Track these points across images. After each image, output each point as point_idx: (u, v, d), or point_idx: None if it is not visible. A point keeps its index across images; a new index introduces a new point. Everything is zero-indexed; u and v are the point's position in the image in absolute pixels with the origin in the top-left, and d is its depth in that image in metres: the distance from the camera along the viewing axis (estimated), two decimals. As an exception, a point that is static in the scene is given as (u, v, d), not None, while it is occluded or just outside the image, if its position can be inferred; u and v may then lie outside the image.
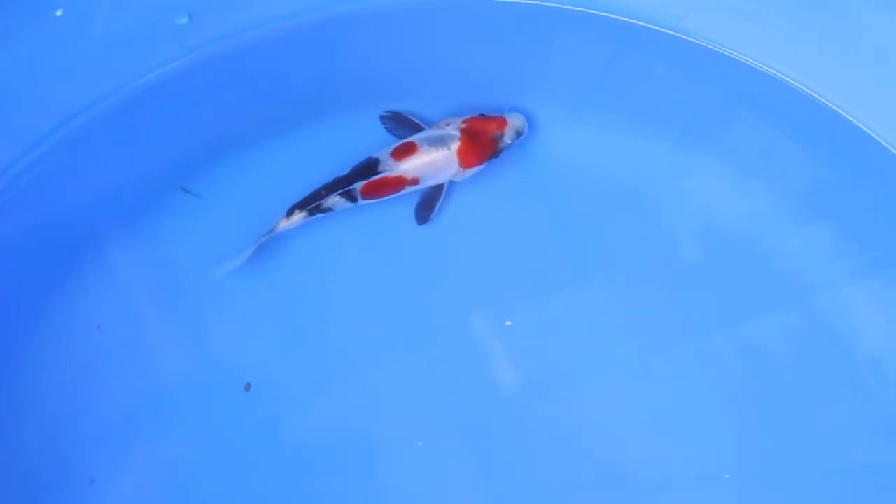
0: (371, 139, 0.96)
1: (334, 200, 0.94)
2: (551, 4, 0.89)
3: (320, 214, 0.95)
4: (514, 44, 0.95)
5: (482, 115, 0.96)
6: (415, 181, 0.95)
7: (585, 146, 0.99)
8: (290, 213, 0.94)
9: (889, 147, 0.87)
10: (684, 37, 0.89)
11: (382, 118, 0.98)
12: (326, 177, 0.94)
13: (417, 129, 0.97)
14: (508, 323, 0.97)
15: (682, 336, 0.97)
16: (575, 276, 0.98)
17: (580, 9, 0.89)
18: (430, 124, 0.98)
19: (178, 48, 0.88)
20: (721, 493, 0.95)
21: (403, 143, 0.95)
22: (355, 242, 0.99)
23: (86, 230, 0.94)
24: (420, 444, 0.96)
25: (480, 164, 0.96)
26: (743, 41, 0.88)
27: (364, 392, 0.97)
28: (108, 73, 0.87)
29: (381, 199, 0.96)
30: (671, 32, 0.89)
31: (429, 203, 0.98)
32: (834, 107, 0.87)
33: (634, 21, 0.89)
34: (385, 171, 0.94)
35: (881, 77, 0.87)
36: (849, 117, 0.87)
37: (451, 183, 0.98)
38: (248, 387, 0.96)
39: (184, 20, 0.88)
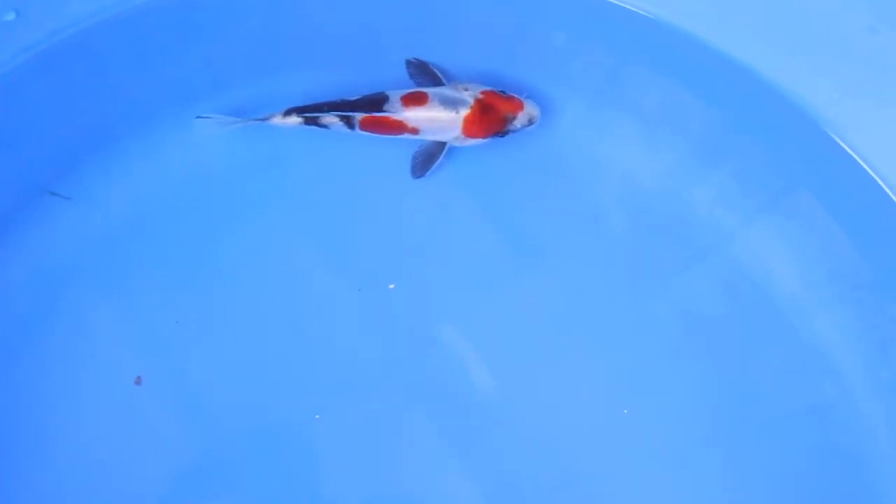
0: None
1: (332, 120, 0.95)
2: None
3: (316, 128, 0.96)
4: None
5: (503, 91, 0.96)
6: (414, 130, 0.96)
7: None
8: (287, 112, 0.95)
9: (776, 85, 0.90)
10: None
11: (408, 63, 0.98)
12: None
13: (437, 82, 0.98)
14: (392, 286, 0.97)
15: (624, 307, 0.97)
16: (511, 263, 0.98)
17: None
18: (451, 81, 0.98)
19: (9, 47, 0.88)
20: (680, 455, 0.95)
21: (417, 92, 0.96)
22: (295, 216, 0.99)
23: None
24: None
25: (483, 138, 0.97)
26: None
27: (292, 387, 0.96)
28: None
29: (378, 136, 0.97)
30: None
31: (428, 158, 0.98)
32: (721, 50, 0.91)
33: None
34: (389, 111, 0.95)
35: (765, 17, 0.90)
36: (736, 59, 0.91)
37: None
38: (138, 380, 0.94)
39: (10, 16, 0.87)
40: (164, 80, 0.97)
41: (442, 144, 0.98)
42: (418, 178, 0.99)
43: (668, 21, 0.90)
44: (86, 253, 0.96)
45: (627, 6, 0.92)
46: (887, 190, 0.91)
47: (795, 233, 0.97)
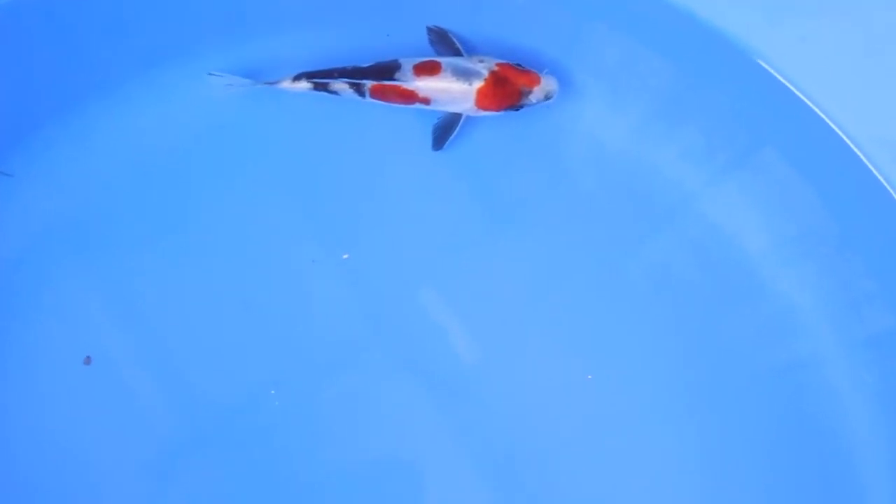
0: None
1: (342, 87, 0.93)
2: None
3: (326, 93, 0.94)
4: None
5: (518, 64, 0.93)
6: (425, 100, 0.93)
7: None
8: (296, 77, 0.94)
9: (736, 40, 0.88)
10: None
11: (428, 30, 0.95)
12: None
13: (456, 52, 0.95)
14: (345, 256, 0.96)
15: (594, 267, 0.96)
16: (480, 227, 0.97)
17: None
18: (470, 52, 0.95)
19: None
20: (650, 417, 0.95)
21: (430, 61, 0.93)
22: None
23: None
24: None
25: (497, 110, 0.94)
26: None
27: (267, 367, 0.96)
28: None
29: (389, 104, 0.94)
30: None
31: (445, 129, 0.96)
32: (682, 5, 0.88)
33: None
34: (400, 80, 0.92)
35: None
36: (698, 15, 0.88)
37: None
38: (87, 360, 0.93)
39: None
40: (168, 34, 0.96)
41: (458, 115, 0.95)
42: (438, 150, 0.96)
43: None
44: (52, 222, 0.96)
45: None
46: (851, 144, 0.87)
47: (762, 190, 0.95)
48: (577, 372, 0.95)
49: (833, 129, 0.87)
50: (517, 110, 0.94)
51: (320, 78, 0.93)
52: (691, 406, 0.95)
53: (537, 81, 0.93)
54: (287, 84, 0.94)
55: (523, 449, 0.95)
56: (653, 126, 0.97)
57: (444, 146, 0.96)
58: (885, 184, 0.87)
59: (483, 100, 0.93)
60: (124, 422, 0.93)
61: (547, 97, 0.93)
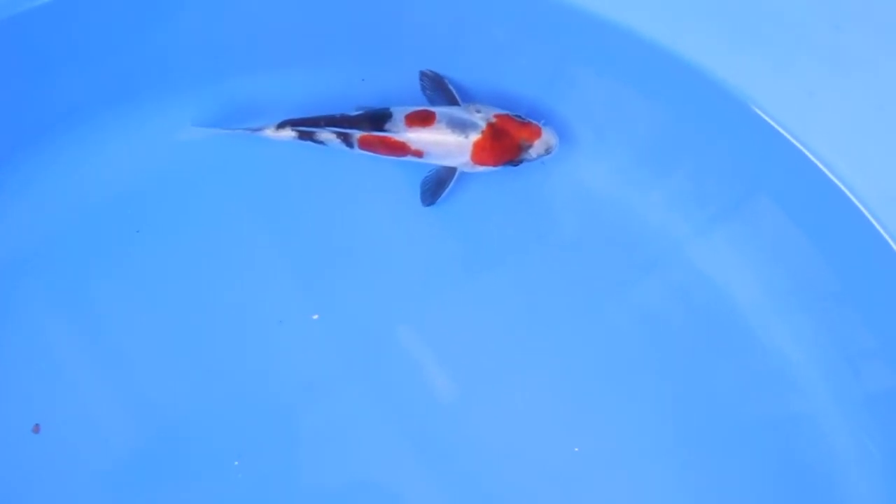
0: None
1: (329, 137, 0.87)
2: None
3: (312, 143, 0.88)
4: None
5: (519, 116, 0.87)
6: (418, 153, 0.87)
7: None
8: (280, 125, 0.87)
9: (730, 87, 0.82)
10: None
11: (422, 75, 0.89)
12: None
13: (451, 100, 0.89)
14: (315, 317, 0.91)
15: (579, 314, 0.92)
16: (465, 270, 0.93)
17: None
18: (467, 101, 0.89)
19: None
20: (645, 465, 0.91)
21: (423, 111, 0.87)
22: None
23: None
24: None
25: (494, 165, 0.88)
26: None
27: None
28: None
29: (379, 156, 0.88)
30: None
31: (437, 184, 0.90)
32: (670, 50, 0.82)
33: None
34: (391, 131, 0.86)
35: (716, 14, 0.82)
36: (689, 60, 0.82)
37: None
38: (36, 428, 0.88)
39: None
40: (145, 70, 0.91)
41: (452, 170, 0.89)
42: (428, 205, 0.90)
43: (615, 19, 0.83)
44: (31, 251, 0.92)
45: (572, 4, 0.84)
46: (850, 195, 0.82)
47: (756, 240, 0.91)
48: (557, 419, 0.91)
49: (834, 182, 0.82)
50: (516, 166, 0.88)
51: (306, 126, 0.87)
52: (677, 457, 0.90)
53: (538, 134, 0.87)
54: (270, 132, 0.88)
55: (502, 490, 0.90)
56: (640, 171, 0.93)
57: (437, 202, 0.90)
58: (888, 238, 0.82)
59: (480, 154, 0.86)
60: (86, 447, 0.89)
61: (547, 151, 0.87)
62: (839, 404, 0.89)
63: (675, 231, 0.93)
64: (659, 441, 0.90)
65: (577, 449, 0.89)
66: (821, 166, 0.82)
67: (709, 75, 0.82)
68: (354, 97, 0.91)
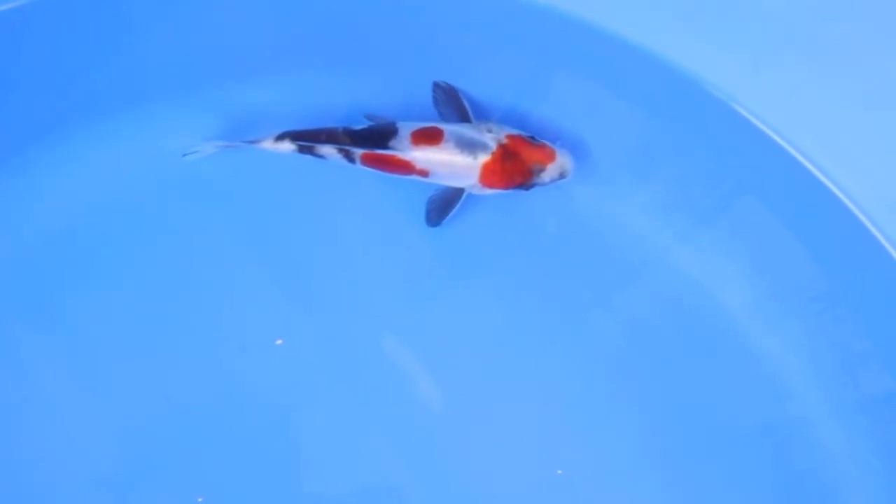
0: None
1: (330, 152, 0.82)
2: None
3: (312, 157, 0.83)
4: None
5: (533, 137, 0.82)
6: (423, 173, 0.82)
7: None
8: (280, 137, 0.83)
9: (711, 87, 0.79)
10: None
11: (435, 86, 0.84)
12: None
13: (464, 116, 0.84)
14: (279, 342, 0.89)
15: (564, 323, 0.90)
16: (448, 277, 0.90)
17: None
18: (480, 118, 0.84)
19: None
20: (632, 475, 0.89)
21: (431, 128, 0.82)
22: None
23: None
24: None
25: (504, 188, 0.83)
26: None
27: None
28: None
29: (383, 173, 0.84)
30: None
31: (444, 205, 0.85)
32: (652, 51, 0.79)
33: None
34: (396, 149, 0.81)
35: (694, 15, 0.79)
36: (669, 62, 0.79)
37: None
38: None
39: None
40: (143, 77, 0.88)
41: (460, 190, 0.84)
42: (433, 226, 0.86)
43: (590, 21, 0.79)
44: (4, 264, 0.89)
45: (546, 6, 0.80)
46: (838, 193, 0.79)
47: (744, 242, 0.88)
48: (542, 427, 0.89)
49: (821, 180, 0.79)
50: (527, 190, 0.83)
51: (306, 140, 0.82)
52: (666, 465, 0.88)
53: (552, 158, 0.82)
54: (269, 144, 0.83)
55: (490, 497, 0.89)
56: (622, 175, 0.89)
57: (443, 223, 0.85)
58: (881, 238, 0.79)
59: (489, 176, 0.81)
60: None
61: (562, 176, 0.83)
62: (833, 409, 0.87)
63: (661, 236, 0.89)
64: (647, 451, 0.88)
65: (560, 471, 0.88)
66: (807, 164, 0.79)
67: (688, 75, 0.79)
68: (360, 106, 0.87)
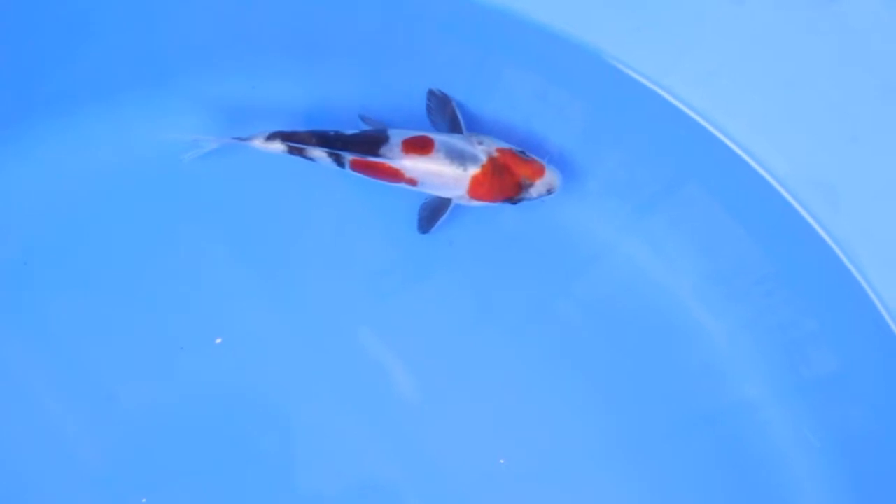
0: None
1: (320, 155, 0.82)
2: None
3: (301, 158, 0.83)
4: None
5: (523, 152, 0.82)
6: (412, 182, 0.82)
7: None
8: (270, 137, 0.82)
9: (636, 74, 0.79)
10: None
11: (430, 94, 0.84)
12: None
13: (455, 126, 0.84)
14: (218, 341, 0.89)
15: (527, 311, 0.91)
16: (412, 268, 0.91)
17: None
18: (471, 130, 0.84)
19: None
20: (588, 457, 0.91)
21: (421, 137, 0.82)
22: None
23: None
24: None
25: (491, 201, 0.83)
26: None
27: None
28: None
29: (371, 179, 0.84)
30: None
31: (432, 213, 0.86)
32: (579, 41, 0.79)
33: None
34: (386, 156, 0.81)
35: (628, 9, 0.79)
36: (596, 50, 0.79)
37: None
38: None
39: None
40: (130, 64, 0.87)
41: (447, 200, 0.84)
42: (424, 233, 0.86)
43: (533, 17, 0.79)
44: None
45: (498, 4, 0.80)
46: (767, 176, 0.79)
47: (689, 228, 0.89)
48: (511, 410, 0.90)
49: (751, 164, 0.79)
50: (514, 204, 0.83)
51: (297, 142, 0.82)
52: (621, 446, 0.90)
53: (541, 174, 0.82)
54: (259, 143, 0.83)
55: (469, 484, 0.90)
56: (571, 161, 0.88)
57: (431, 231, 0.86)
58: (812, 221, 0.79)
59: (477, 189, 0.82)
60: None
61: (549, 192, 0.83)
62: (777, 392, 0.88)
63: (611, 224, 0.90)
64: (602, 430, 0.90)
65: (502, 460, 0.90)
66: (736, 149, 0.79)
67: (613, 62, 0.79)
68: (354, 107, 0.87)
